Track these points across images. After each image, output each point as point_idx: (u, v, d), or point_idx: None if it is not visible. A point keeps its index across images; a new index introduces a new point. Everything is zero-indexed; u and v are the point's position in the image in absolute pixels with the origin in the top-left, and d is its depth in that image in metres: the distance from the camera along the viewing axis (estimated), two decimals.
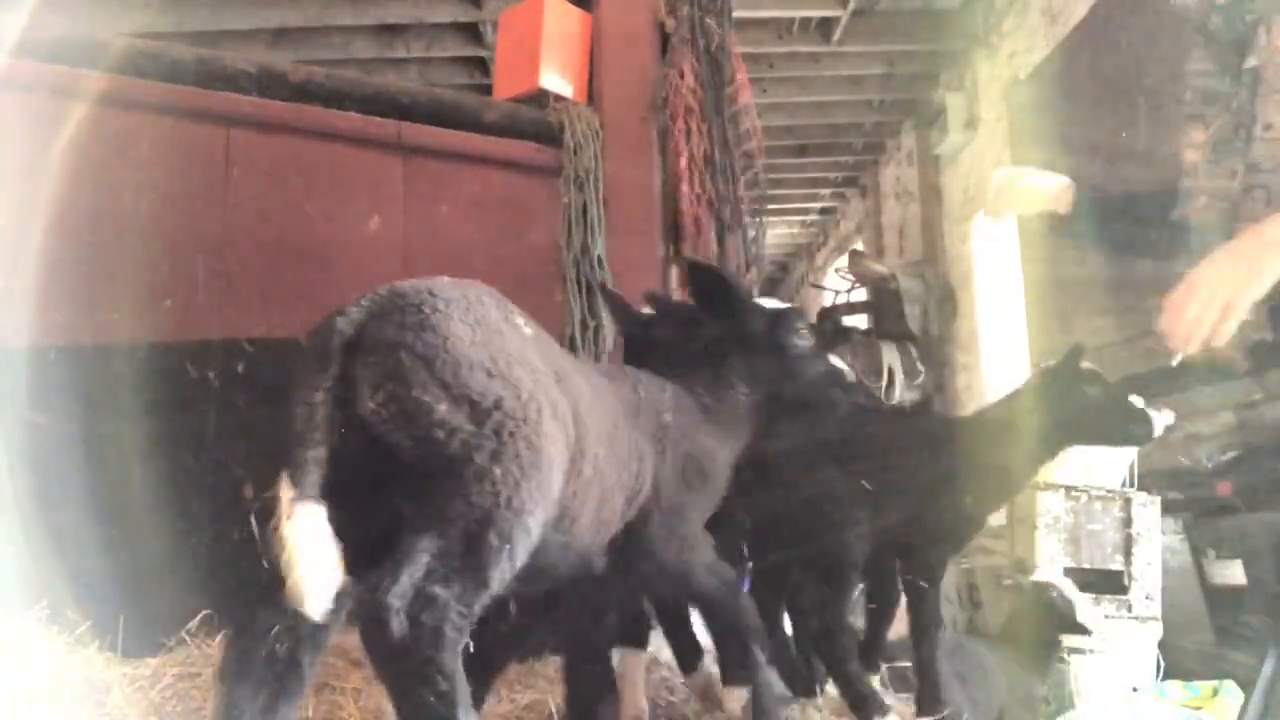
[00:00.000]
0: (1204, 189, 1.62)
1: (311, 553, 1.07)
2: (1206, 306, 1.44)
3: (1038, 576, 3.11)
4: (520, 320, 1.33)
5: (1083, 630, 2.86)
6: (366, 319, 1.18)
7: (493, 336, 1.19)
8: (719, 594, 1.64)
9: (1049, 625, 2.90)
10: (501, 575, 1.14)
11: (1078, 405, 2.07)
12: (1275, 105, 1.55)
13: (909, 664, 2.81)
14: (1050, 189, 1.88)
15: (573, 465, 1.29)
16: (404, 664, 1.06)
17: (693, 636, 2.16)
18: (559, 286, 2.95)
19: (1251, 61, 1.58)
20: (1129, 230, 1.84)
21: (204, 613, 2.34)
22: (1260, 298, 1.45)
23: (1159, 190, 1.78)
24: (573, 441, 1.29)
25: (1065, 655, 2.98)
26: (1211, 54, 1.66)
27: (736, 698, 1.99)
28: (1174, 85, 1.73)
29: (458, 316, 1.17)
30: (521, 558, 1.16)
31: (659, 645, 2.34)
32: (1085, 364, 2.11)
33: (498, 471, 1.12)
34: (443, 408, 1.11)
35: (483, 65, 6.45)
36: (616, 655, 2.05)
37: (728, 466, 1.74)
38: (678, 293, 3.12)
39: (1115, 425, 2.10)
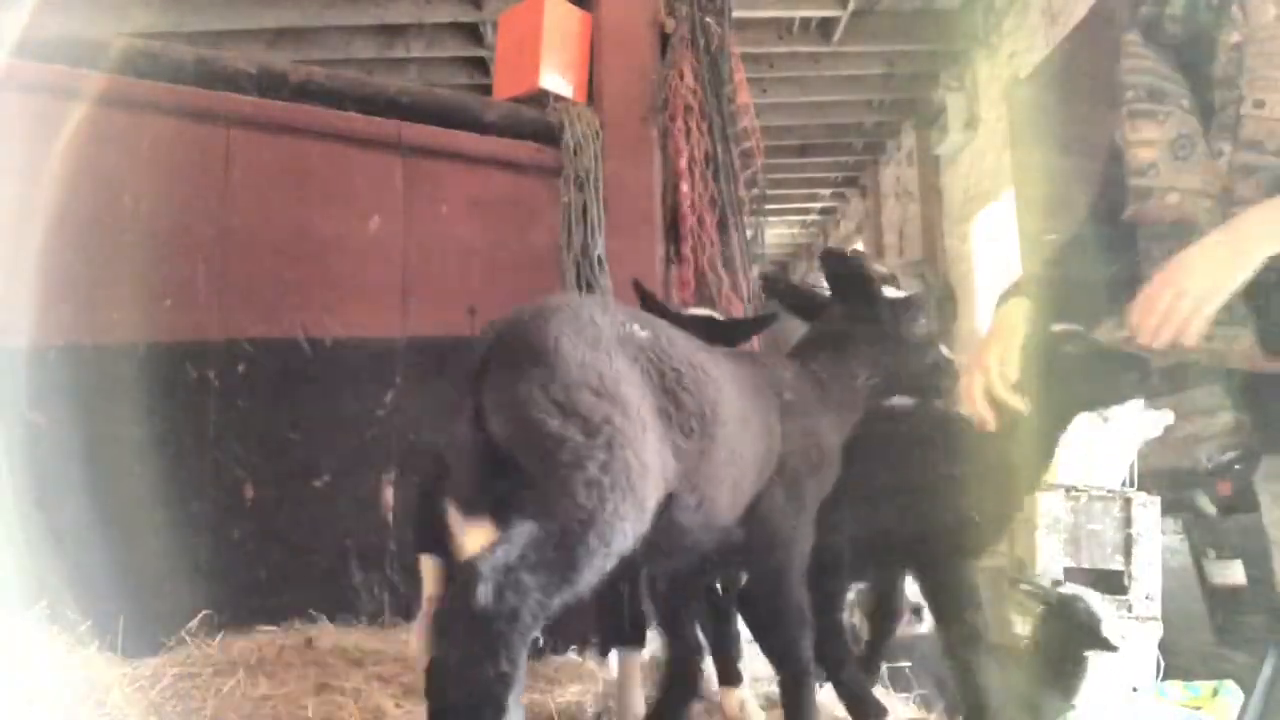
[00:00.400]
0: (1172, 186, 1.56)
1: None
2: (1178, 300, 1.41)
3: (1064, 589, 3.03)
4: (637, 327, 1.40)
5: (1108, 646, 2.76)
6: (490, 349, 1.29)
7: (600, 358, 1.28)
8: (788, 617, 1.65)
9: (1075, 641, 2.81)
10: (591, 578, 1.20)
11: (1063, 366, 1.99)
12: (1266, 82, 1.49)
13: (908, 664, 2.81)
14: (1014, 313, 1.80)
15: (703, 454, 1.40)
16: (477, 633, 1.10)
17: (694, 635, 2.16)
18: (559, 286, 2.95)
19: (1234, 37, 1.54)
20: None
21: (204, 613, 2.34)
22: (1233, 293, 1.41)
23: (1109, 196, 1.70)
24: (696, 435, 1.38)
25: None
26: (1163, 48, 1.60)
27: (734, 698, 1.99)
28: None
29: (568, 341, 1.27)
30: (613, 563, 1.24)
31: (659, 645, 2.34)
32: (1059, 325, 2.03)
33: (606, 480, 1.21)
34: (555, 423, 1.21)
35: (483, 65, 6.45)
36: (615, 655, 2.06)
37: (837, 449, 1.78)
38: (676, 293, 3.12)
39: (1106, 376, 2.02)
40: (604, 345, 1.30)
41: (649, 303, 2.13)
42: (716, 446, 1.43)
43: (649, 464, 1.27)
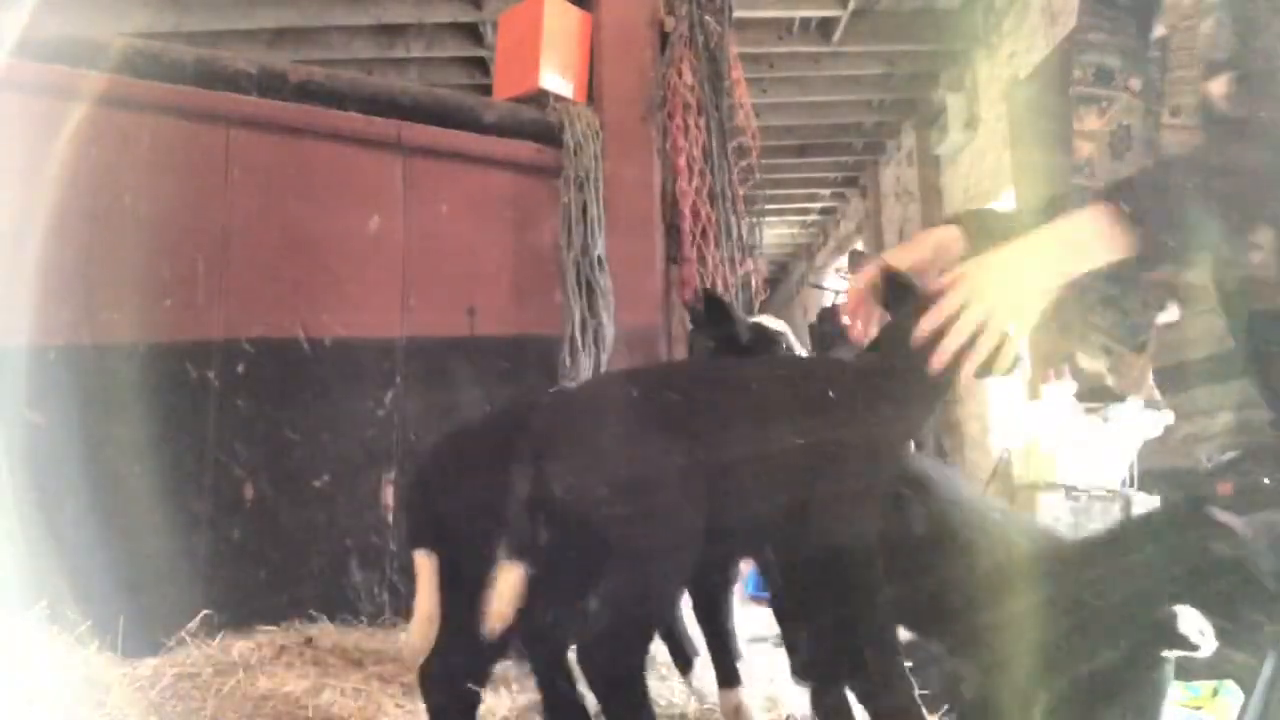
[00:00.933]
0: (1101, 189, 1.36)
1: None
2: (986, 321, 1.22)
3: None
4: (665, 390, 1.54)
5: (1187, 645, 2.53)
6: (549, 426, 1.50)
7: (603, 439, 1.46)
8: (854, 596, 1.63)
9: (1154, 640, 2.58)
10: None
11: (1197, 562, 1.76)
12: (1181, 85, 1.28)
13: (908, 664, 2.80)
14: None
15: (726, 474, 1.51)
16: None
17: (686, 637, 2.16)
18: (559, 286, 2.95)
19: (1159, 30, 1.32)
20: None
21: (204, 613, 2.34)
22: (1036, 317, 1.25)
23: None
24: (723, 462, 1.51)
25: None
26: (1108, 18, 1.41)
27: (731, 700, 1.98)
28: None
29: (566, 437, 1.46)
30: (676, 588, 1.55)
31: (657, 645, 2.34)
32: (1217, 514, 1.80)
33: (650, 534, 1.40)
34: (601, 490, 1.40)
35: (483, 65, 6.46)
36: None
37: (899, 432, 1.72)
38: (676, 292, 3.12)
39: (1228, 595, 1.76)
40: (603, 426, 1.49)
41: (716, 309, 2.08)
42: (742, 462, 1.53)
43: (681, 509, 1.44)
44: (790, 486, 1.58)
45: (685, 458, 1.49)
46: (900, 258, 1.56)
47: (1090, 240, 1.22)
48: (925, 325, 1.30)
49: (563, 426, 1.52)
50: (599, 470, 1.45)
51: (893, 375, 1.70)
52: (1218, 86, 1.24)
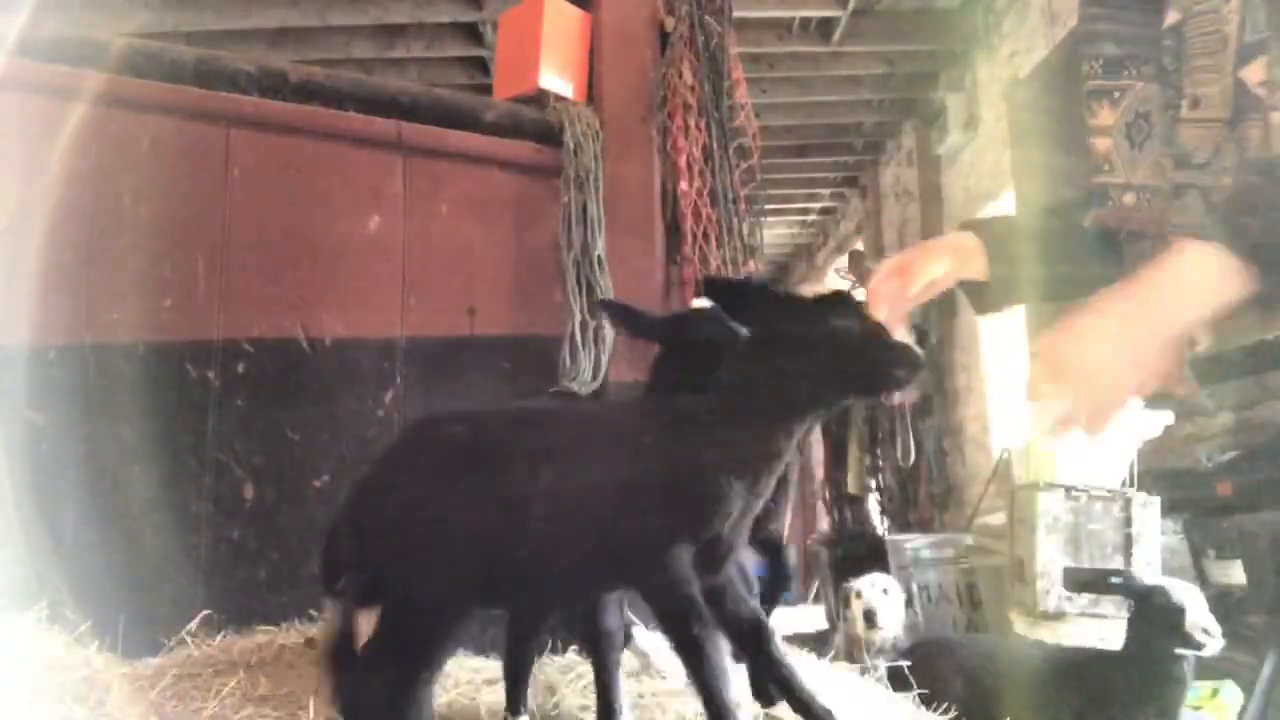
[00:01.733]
0: (1128, 182, 1.29)
1: None
2: (1100, 410, 1.07)
3: (1159, 580, 2.67)
4: (460, 430, 1.57)
5: (1192, 644, 2.45)
6: (363, 479, 1.61)
7: (412, 481, 1.53)
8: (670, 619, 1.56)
9: (1160, 640, 2.50)
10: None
11: None
12: (1202, 74, 1.19)
13: (908, 663, 2.81)
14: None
15: (524, 521, 1.50)
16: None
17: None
18: (559, 286, 2.95)
19: (1171, 16, 1.23)
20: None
21: (204, 613, 2.34)
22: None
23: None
24: (511, 509, 1.51)
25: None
26: (1112, 6, 1.32)
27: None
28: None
29: (373, 494, 1.55)
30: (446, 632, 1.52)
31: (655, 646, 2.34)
32: None
33: (419, 573, 1.48)
34: (380, 541, 1.52)
35: (483, 65, 6.45)
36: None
37: (718, 472, 1.53)
38: (676, 292, 3.12)
39: None
40: (419, 465, 1.55)
41: (612, 308, 2.04)
42: (535, 510, 1.51)
43: (457, 553, 1.47)
44: (594, 531, 1.51)
45: (466, 504, 1.49)
46: (923, 266, 1.41)
47: (1198, 291, 1.01)
48: (1054, 416, 1.13)
49: (371, 474, 1.60)
50: (382, 517, 1.52)
51: (717, 424, 1.52)
52: (1254, 72, 1.14)
